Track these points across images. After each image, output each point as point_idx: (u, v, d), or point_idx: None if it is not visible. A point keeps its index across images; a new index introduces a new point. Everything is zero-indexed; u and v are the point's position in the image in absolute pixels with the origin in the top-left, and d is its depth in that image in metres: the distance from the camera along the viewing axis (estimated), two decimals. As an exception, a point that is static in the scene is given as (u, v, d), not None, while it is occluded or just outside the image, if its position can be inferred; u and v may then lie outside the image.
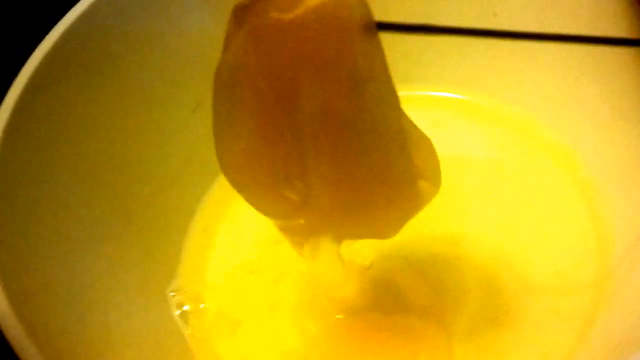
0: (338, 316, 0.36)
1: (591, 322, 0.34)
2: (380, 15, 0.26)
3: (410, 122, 0.28)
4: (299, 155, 0.27)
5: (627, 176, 0.37)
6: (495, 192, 0.40)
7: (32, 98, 0.33)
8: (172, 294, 0.38)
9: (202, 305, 0.38)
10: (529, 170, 0.41)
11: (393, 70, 0.27)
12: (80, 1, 0.36)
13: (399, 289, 0.38)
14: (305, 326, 0.36)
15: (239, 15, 0.25)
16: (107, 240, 0.36)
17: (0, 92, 0.33)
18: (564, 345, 0.34)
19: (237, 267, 0.40)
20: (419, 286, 0.37)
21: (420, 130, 0.29)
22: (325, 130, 0.26)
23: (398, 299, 0.37)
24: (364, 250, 0.37)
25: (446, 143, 0.41)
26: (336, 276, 0.34)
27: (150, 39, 0.38)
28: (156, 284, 0.38)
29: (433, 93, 0.44)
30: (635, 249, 0.35)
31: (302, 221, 0.29)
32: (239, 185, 0.29)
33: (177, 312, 0.37)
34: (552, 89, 0.41)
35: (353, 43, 0.25)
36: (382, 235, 0.30)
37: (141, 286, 0.37)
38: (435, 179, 0.29)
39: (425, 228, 0.34)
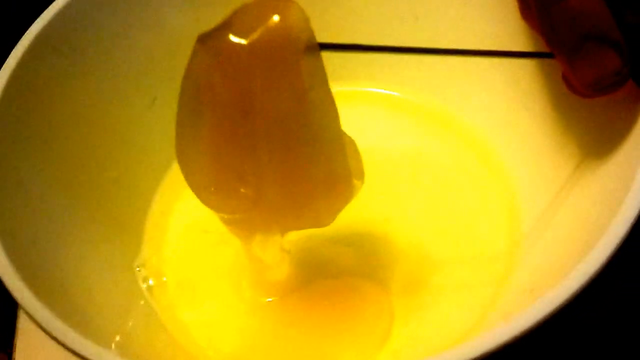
0: (269, 299, 0.41)
1: (505, 280, 0.40)
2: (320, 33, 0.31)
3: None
4: (254, 157, 0.32)
5: (533, 159, 0.43)
6: (419, 177, 0.46)
7: (12, 91, 0.38)
8: (137, 269, 0.42)
9: (164, 279, 0.42)
10: (448, 157, 0.46)
11: (332, 70, 0.32)
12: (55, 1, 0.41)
13: (331, 259, 0.42)
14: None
15: (204, 41, 0.31)
16: (80, 218, 0.41)
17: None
18: (484, 297, 0.39)
19: (189, 227, 0.45)
20: (349, 253, 0.42)
21: (348, 135, 0.34)
22: (275, 135, 0.32)
23: (331, 266, 0.42)
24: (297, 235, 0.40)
25: (377, 135, 0.47)
26: (275, 264, 0.39)
27: (115, 37, 0.43)
28: (123, 259, 0.42)
29: (365, 89, 0.50)
30: (540, 222, 0.40)
31: (254, 215, 0.34)
32: (199, 186, 0.34)
33: (143, 286, 0.42)
34: (470, 84, 0.46)
35: (298, 61, 0.31)
36: (321, 224, 0.36)
37: (110, 260, 0.41)
38: (361, 175, 0.35)
39: (357, 211, 0.38)
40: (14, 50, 0.39)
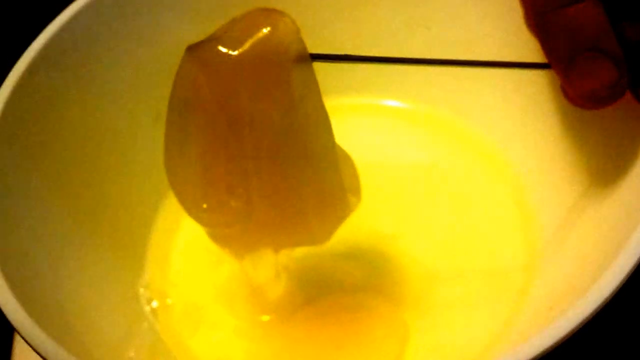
0: (265, 318, 0.40)
1: (521, 297, 0.39)
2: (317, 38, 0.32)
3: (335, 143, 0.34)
4: (242, 170, 0.32)
5: (550, 173, 0.42)
6: (430, 190, 0.45)
7: (15, 107, 0.38)
8: (141, 289, 0.42)
9: (168, 300, 0.42)
10: (461, 170, 0.46)
11: (341, 81, 0.32)
12: (58, 17, 0.41)
13: (337, 274, 0.42)
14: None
15: (192, 52, 0.31)
16: (81, 237, 0.40)
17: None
18: (500, 314, 0.39)
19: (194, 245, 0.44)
20: (357, 268, 0.42)
21: (343, 150, 0.34)
22: (263, 147, 0.32)
23: (338, 282, 0.41)
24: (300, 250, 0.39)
25: (387, 147, 0.47)
26: (270, 280, 0.39)
27: (119, 52, 0.43)
28: (126, 279, 0.42)
29: (375, 101, 0.49)
30: (557, 237, 0.40)
31: (246, 230, 0.34)
32: (190, 202, 0.34)
33: (147, 308, 0.41)
34: (484, 96, 0.46)
35: (288, 73, 0.31)
36: (316, 242, 0.35)
37: (112, 282, 0.41)
38: (357, 192, 0.35)
39: (365, 226, 0.38)
40: (16, 65, 0.39)
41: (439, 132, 0.47)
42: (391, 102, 0.49)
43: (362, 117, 0.48)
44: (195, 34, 0.43)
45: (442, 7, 0.45)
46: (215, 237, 0.35)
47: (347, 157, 0.34)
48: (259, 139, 0.31)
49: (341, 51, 0.32)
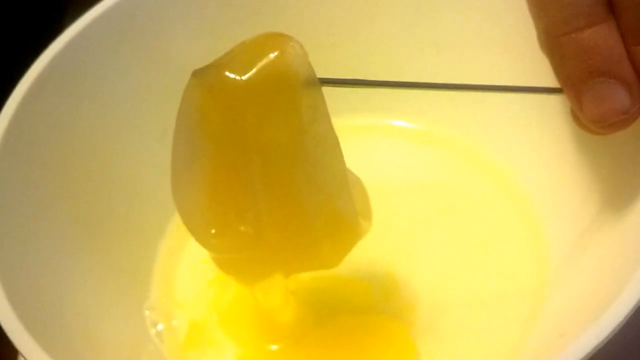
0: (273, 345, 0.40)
1: (532, 321, 0.39)
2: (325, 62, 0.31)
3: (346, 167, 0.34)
4: (251, 194, 0.32)
5: (561, 194, 0.42)
6: (440, 211, 0.45)
7: (20, 125, 0.39)
8: (147, 312, 0.42)
9: (174, 322, 0.42)
10: (471, 191, 0.46)
11: (350, 101, 0.32)
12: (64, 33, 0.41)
13: (344, 296, 0.42)
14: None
15: (198, 77, 0.31)
16: (86, 259, 0.40)
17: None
18: (511, 337, 0.38)
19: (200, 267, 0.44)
20: (364, 290, 0.42)
21: (354, 174, 0.34)
22: (272, 171, 0.32)
23: (345, 304, 0.41)
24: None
25: (397, 168, 0.47)
26: (279, 307, 0.39)
27: (125, 69, 0.44)
28: (131, 301, 0.42)
29: (385, 121, 0.49)
30: (568, 261, 0.39)
31: (253, 255, 0.34)
32: (198, 229, 0.34)
33: (152, 331, 0.41)
34: (494, 117, 0.46)
35: (297, 97, 0.31)
36: (326, 266, 0.35)
37: (118, 304, 0.41)
38: (368, 216, 0.35)
39: (373, 247, 0.37)
40: (21, 82, 0.40)
41: (448, 152, 0.47)
42: (400, 123, 0.49)
43: (371, 137, 0.48)
44: (202, 51, 0.43)
45: (453, 30, 0.45)
46: (223, 265, 0.35)
47: (357, 181, 0.35)
48: (268, 164, 0.31)
49: (350, 74, 0.32)
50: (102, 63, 0.43)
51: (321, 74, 0.31)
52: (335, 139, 0.32)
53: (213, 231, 0.33)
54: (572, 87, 0.32)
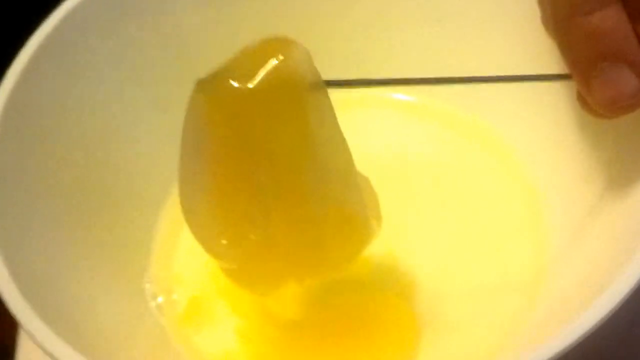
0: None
1: (534, 299, 0.39)
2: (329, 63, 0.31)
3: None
4: (261, 200, 0.32)
5: (563, 172, 0.42)
6: (439, 188, 0.45)
7: (17, 103, 0.38)
8: (147, 285, 0.42)
9: (174, 296, 0.42)
10: (470, 167, 0.45)
11: (348, 74, 0.31)
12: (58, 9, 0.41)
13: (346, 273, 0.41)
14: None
15: (203, 88, 0.31)
16: (85, 231, 0.40)
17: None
18: (513, 313, 0.38)
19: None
20: (366, 268, 0.41)
21: (362, 174, 0.34)
22: (282, 176, 0.32)
23: (347, 281, 0.41)
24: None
25: (392, 141, 0.47)
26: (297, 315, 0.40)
27: (125, 41, 0.43)
28: (131, 274, 0.42)
29: (384, 94, 0.48)
30: (569, 243, 0.39)
31: (265, 263, 0.34)
32: (209, 240, 0.34)
33: (152, 304, 0.41)
34: (495, 92, 0.44)
35: (303, 101, 0.31)
36: (338, 269, 0.36)
37: (117, 277, 0.41)
38: (378, 216, 0.35)
39: None
40: (15, 60, 0.39)
41: (446, 126, 0.47)
42: (399, 95, 0.48)
43: (367, 110, 0.47)
44: (201, 29, 0.44)
45: (457, 16, 0.45)
46: (235, 276, 0.36)
47: (366, 182, 0.34)
48: (276, 170, 0.31)
49: (355, 74, 0.32)
50: (97, 38, 0.42)
51: (325, 70, 0.31)
52: (343, 140, 0.32)
53: (224, 242, 0.33)
54: (580, 71, 0.32)
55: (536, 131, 0.44)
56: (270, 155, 0.31)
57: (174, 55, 0.44)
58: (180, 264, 0.44)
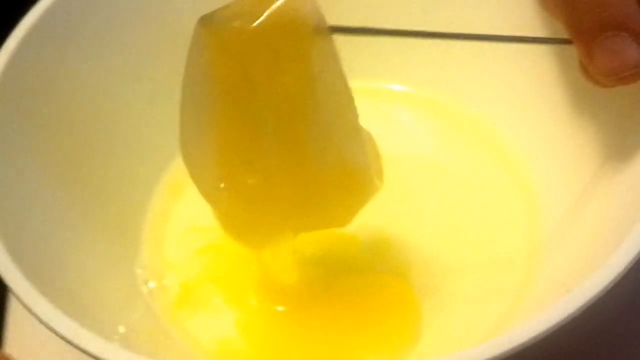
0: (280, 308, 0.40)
1: (531, 276, 0.39)
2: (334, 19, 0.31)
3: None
4: (261, 145, 0.32)
5: (556, 158, 0.42)
6: (434, 176, 0.45)
7: (11, 79, 0.38)
8: (139, 270, 0.42)
9: (165, 281, 0.42)
10: (465, 155, 0.46)
11: (345, 64, 0.32)
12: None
13: (346, 257, 0.42)
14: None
15: (205, 24, 0.30)
16: (76, 215, 0.40)
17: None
18: (510, 292, 0.39)
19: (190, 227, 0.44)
20: (365, 252, 0.42)
21: (366, 130, 0.34)
22: (283, 121, 0.31)
23: (347, 264, 0.41)
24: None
25: (390, 132, 0.46)
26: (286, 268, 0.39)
27: (115, 26, 0.43)
28: (122, 260, 0.42)
29: (381, 85, 0.49)
30: (561, 226, 0.40)
31: (262, 211, 0.34)
32: (207, 184, 0.34)
33: (144, 289, 0.41)
34: (487, 79, 0.46)
35: (307, 45, 0.30)
36: (337, 224, 0.35)
37: (109, 262, 0.41)
38: (380, 174, 0.34)
39: (369, 212, 0.37)
40: (8, 39, 0.39)
41: (441, 116, 0.47)
42: (395, 86, 0.49)
43: (365, 100, 0.47)
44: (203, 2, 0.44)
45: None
46: (230, 226, 0.35)
47: (370, 138, 0.34)
48: (278, 113, 0.31)
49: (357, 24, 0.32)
50: (91, 16, 0.42)
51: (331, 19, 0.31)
52: (348, 89, 0.32)
53: (222, 185, 0.33)
54: (584, 40, 0.32)
55: (527, 111, 0.44)
56: (271, 97, 0.30)
57: (175, 31, 0.43)
58: (171, 250, 0.43)
